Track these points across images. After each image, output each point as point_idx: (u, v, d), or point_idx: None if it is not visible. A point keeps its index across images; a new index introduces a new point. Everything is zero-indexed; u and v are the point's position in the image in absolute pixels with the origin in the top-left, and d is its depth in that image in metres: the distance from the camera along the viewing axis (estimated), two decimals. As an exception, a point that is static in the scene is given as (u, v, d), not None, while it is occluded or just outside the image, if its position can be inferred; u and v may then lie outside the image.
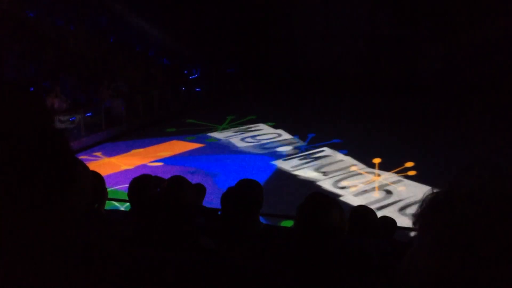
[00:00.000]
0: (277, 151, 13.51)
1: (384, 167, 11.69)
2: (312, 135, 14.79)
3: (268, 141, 14.58)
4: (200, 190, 4.34)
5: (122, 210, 6.33)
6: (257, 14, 24.83)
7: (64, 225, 0.67)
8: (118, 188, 9.91)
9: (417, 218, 0.65)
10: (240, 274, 0.96)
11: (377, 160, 12.01)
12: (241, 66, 24.33)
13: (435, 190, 0.66)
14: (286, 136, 15.05)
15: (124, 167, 12.12)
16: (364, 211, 4.02)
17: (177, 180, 2.85)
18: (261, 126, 16.42)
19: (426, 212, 0.64)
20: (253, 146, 14.06)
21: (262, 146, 14.05)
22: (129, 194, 3.65)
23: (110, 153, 13.52)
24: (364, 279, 2.41)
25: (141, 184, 3.54)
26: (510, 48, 20.67)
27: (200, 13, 23.36)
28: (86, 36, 19.87)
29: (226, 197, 3.80)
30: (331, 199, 2.57)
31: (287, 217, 7.07)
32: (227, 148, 13.97)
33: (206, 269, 0.95)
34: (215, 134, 15.56)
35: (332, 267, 2.38)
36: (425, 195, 0.65)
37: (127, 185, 3.73)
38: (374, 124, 15.97)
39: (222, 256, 2.48)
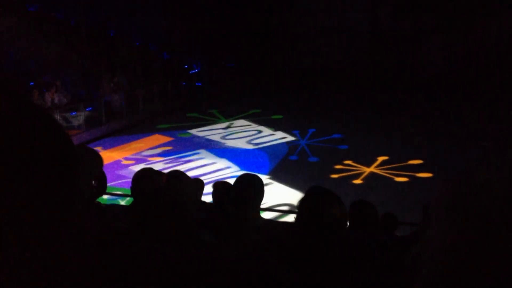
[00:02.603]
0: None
1: (386, 161, 11.70)
2: (312, 130, 14.77)
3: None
4: (198, 184, 4.33)
5: (122, 205, 6.33)
6: (258, 9, 24.79)
7: (64, 218, 0.66)
8: (118, 183, 9.91)
9: (430, 209, 0.63)
10: (240, 268, 0.94)
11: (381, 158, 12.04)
12: (241, 60, 24.30)
13: (448, 181, 0.64)
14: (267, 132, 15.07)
15: (124, 162, 12.12)
16: (363, 205, 4.01)
17: (176, 175, 2.84)
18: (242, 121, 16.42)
19: (440, 203, 0.62)
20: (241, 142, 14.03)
21: (250, 142, 14.03)
22: (132, 188, 3.63)
23: (110, 148, 13.51)
24: (364, 274, 2.40)
25: (144, 178, 3.51)
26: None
27: (200, 7, 23.31)
28: (86, 31, 19.84)
29: (227, 192, 3.79)
30: (332, 193, 2.55)
31: (289, 212, 7.07)
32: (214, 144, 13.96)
33: (205, 263, 0.93)
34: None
35: (333, 261, 2.36)
36: (438, 186, 0.64)
37: (126, 179, 3.71)
38: (375, 118, 15.95)
39: (221, 250, 2.47)
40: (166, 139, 14.40)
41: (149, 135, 14.82)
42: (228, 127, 15.85)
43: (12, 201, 0.59)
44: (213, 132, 15.11)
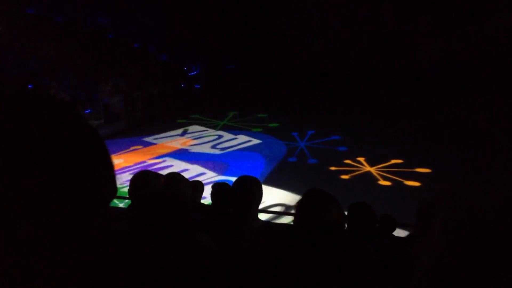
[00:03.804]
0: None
1: (382, 162, 11.71)
2: (311, 132, 14.79)
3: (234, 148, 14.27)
4: (197, 187, 4.33)
5: (121, 207, 6.33)
6: (257, 10, 24.81)
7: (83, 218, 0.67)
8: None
9: (428, 211, 0.63)
10: (237, 271, 0.94)
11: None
12: (241, 62, 24.32)
13: (447, 186, 0.64)
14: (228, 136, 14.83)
15: (123, 164, 12.11)
16: (361, 207, 4.00)
17: (174, 177, 2.84)
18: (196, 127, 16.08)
19: (437, 207, 0.62)
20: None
21: (215, 147, 13.80)
22: (129, 191, 3.62)
23: (109, 150, 13.44)
24: (363, 276, 2.40)
25: (141, 180, 3.51)
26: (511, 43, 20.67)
27: (199, 9, 23.33)
28: (85, 33, 19.84)
29: (225, 194, 3.79)
30: (330, 195, 2.55)
31: (287, 214, 7.07)
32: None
33: (202, 266, 0.93)
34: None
35: (332, 263, 2.36)
36: (439, 192, 0.64)
37: (126, 182, 3.70)
38: (374, 120, 15.97)
39: (219, 253, 2.46)
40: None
41: (149, 136, 14.81)
42: (184, 132, 15.53)
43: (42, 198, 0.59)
44: (173, 139, 14.76)
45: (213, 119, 16.81)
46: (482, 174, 0.60)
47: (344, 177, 10.95)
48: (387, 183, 10.56)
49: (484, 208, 0.56)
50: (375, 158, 11.99)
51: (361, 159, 12.04)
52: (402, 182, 10.52)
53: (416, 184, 10.37)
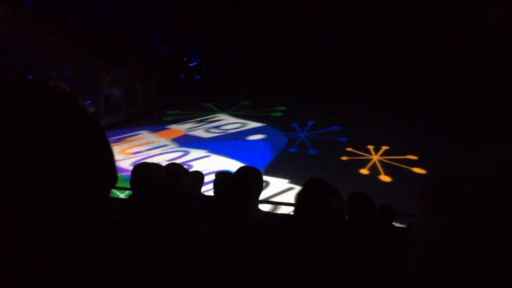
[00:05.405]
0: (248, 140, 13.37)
1: (382, 154, 11.71)
2: (311, 122, 14.79)
3: (234, 130, 14.37)
4: (197, 177, 4.33)
5: (121, 198, 6.34)
6: (258, 1, 24.72)
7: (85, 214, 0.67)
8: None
9: (420, 199, 0.62)
10: (236, 261, 0.94)
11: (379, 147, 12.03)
12: (241, 53, 24.27)
13: (438, 171, 0.64)
14: (253, 125, 14.83)
15: (123, 155, 12.12)
16: (361, 197, 4.01)
17: (174, 168, 2.84)
18: (223, 116, 16.14)
19: (429, 192, 0.62)
20: (219, 137, 13.75)
21: (229, 136, 13.80)
22: (131, 181, 3.63)
23: (108, 139, 13.40)
24: (363, 266, 2.41)
25: (142, 170, 3.51)
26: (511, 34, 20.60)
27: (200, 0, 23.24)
28: (85, 24, 19.78)
29: (225, 184, 3.80)
30: (330, 185, 2.55)
31: (287, 205, 7.07)
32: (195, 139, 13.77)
33: (202, 256, 0.93)
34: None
35: (331, 253, 2.37)
36: (428, 176, 0.63)
37: (126, 173, 3.69)
38: (374, 111, 15.97)
39: (218, 243, 2.47)
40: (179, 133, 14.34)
41: (149, 127, 14.81)
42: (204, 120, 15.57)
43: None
44: (172, 128, 14.83)
45: (195, 111, 16.80)
46: (471, 158, 0.59)
47: (343, 158, 11.14)
48: (366, 172, 10.56)
49: (477, 194, 0.56)
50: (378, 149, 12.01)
51: (385, 147, 12.03)
52: (379, 175, 10.45)
53: (388, 179, 10.20)
